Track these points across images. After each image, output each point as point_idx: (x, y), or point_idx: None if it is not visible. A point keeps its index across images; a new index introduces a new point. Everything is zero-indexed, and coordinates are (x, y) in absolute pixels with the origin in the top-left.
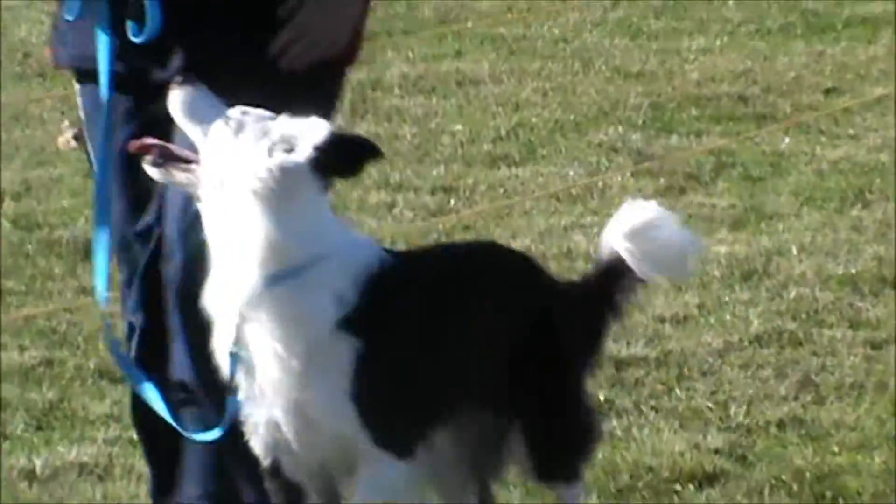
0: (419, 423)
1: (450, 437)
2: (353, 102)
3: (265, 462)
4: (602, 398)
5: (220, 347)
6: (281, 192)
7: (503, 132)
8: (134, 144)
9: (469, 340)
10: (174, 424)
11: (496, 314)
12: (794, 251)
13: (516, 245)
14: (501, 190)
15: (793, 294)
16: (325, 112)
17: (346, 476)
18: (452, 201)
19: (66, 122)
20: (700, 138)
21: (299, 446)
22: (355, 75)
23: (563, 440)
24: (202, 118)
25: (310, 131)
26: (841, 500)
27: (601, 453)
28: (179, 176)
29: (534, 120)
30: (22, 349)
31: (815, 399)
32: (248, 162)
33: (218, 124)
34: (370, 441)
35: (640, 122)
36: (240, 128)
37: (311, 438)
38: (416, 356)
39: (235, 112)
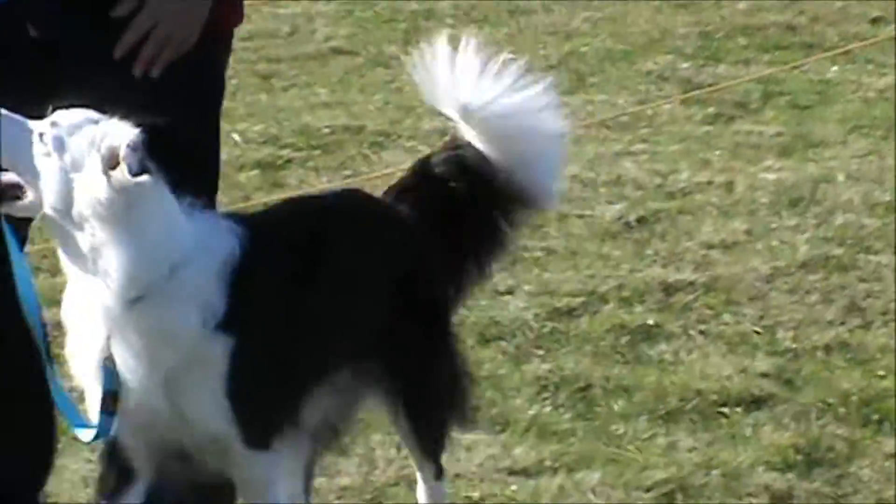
0: (290, 408)
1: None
2: (405, 32)
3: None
4: (651, 322)
5: (87, 365)
6: (125, 210)
7: (554, 61)
8: None
9: (337, 307)
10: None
11: (360, 275)
12: (841, 178)
13: (566, 172)
14: None
15: (839, 220)
16: (216, 84)
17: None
18: None
19: None
20: (748, 67)
21: (165, 440)
22: (408, 5)
23: (439, 415)
24: (17, 147)
25: (127, 138)
26: (887, 424)
27: (650, 376)
28: (20, 206)
29: (584, 49)
30: None
31: (862, 324)
32: (84, 187)
33: (35, 147)
34: (241, 441)
35: (688, 51)
36: (60, 146)
37: (180, 436)
38: (286, 340)
39: (46, 126)
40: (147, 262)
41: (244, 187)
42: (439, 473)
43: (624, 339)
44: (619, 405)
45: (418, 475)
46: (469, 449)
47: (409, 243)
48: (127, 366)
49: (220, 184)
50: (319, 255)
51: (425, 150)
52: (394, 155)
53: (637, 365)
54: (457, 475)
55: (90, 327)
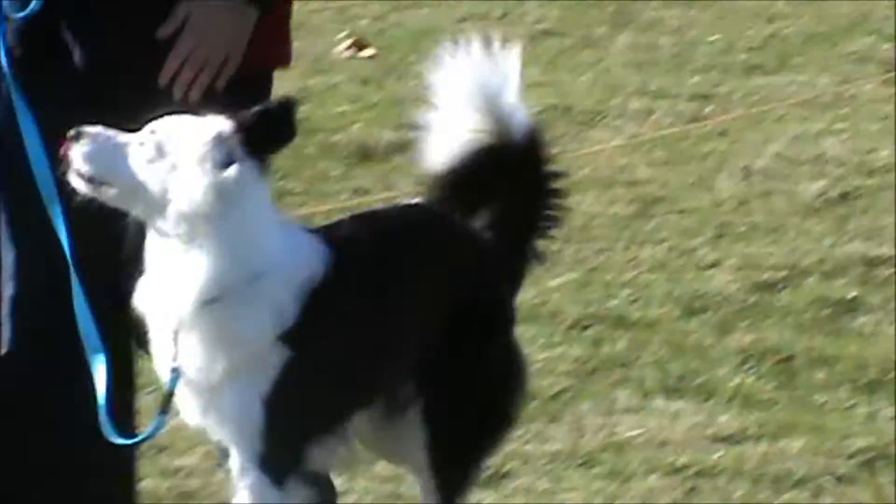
0: (325, 431)
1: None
2: (613, 13)
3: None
4: (852, 295)
5: (160, 363)
6: (225, 208)
7: (757, 42)
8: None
9: (396, 334)
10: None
11: (421, 300)
12: None
13: (769, 150)
14: (755, 97)
15: None
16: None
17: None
18: (708, 108)
19: (344, 33)
20: None
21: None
22: None
23: (465, 440)
24: (117, 162)
25: (233, 125)
26: None
27: (850, 347)
28: (109, 195)
29: (786, 31)
30: None
31: None
32: (184, 187)
33: (136, 150)
34: (255, 459)
35: (889, 32)
36: (160, 151)
37: (214, 429)
38: (336, 362)
39: (146, 135)
40: (232, 264)
41: None
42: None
43: (825, 312)
44: (820, 375)
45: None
46: (675, 417)
47: (474, 261)
48: (189, 365)
49: None
50: (387, 279)
51: (631, 129)
52: (601, 133)
53: (838, 336)
54: (663, 442)
55: (162, 323)
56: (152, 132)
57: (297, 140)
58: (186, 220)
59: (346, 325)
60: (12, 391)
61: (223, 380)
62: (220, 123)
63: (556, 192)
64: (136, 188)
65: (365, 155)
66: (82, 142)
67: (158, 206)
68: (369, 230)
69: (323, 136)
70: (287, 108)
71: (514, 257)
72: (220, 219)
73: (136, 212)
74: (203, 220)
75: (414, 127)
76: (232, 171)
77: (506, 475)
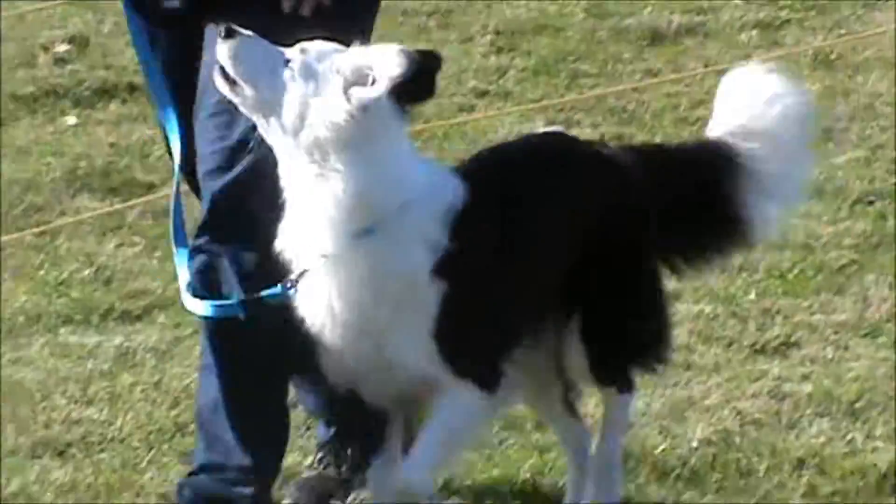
0: (500, 353)
1: (529, 348)
2: None
3: (337, 390)
4: None
5: (309, 306)
6: (363, 138)
7: None
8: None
9: (547, 252)
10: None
11: (570, 217)
12: None
13: None
14: None
15: None
16: (363, 31)
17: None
18: None
19: None
20: None
21: (376, 383)
22: None
23: (621, 343)
24: (263, 68)
25: (383, 59)
26: None
27: None
28: (247, 98)
29: None
30: (594, 126)
31: None
32: (325, 110)
33: (284, 72)
34: (452, 374)
35: None
36: (306, 71)
37: (389, 377)
38: (498, 287)
39: (295, 53)
40: (380, 191)
41: (744, 46)
42: (626, 386)
43: None
44: None
45: (599, 392)
46: None
47: (614, 181)
48: (340, 302)
49: (720, 44)
50: (529, 204)
51: None
52: (886, 16)
53: None
54: None
55: (309, 260)
56: (302, 51)
57: (591, 24)
58: (320, 147)
59: (495, 255)
60: None
61: (385, 318)
62: (369, 58)
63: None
64: (276, 100)
65: (655, 37)
66: (232, 40)
67: (294, 125)
68: (507, 162)
69: (615, 19)
70: (434, 61)
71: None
72: (363, 145)
73: (268, 128)
74: (341, 147)
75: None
76: (375, 104)
77: (793, 345)
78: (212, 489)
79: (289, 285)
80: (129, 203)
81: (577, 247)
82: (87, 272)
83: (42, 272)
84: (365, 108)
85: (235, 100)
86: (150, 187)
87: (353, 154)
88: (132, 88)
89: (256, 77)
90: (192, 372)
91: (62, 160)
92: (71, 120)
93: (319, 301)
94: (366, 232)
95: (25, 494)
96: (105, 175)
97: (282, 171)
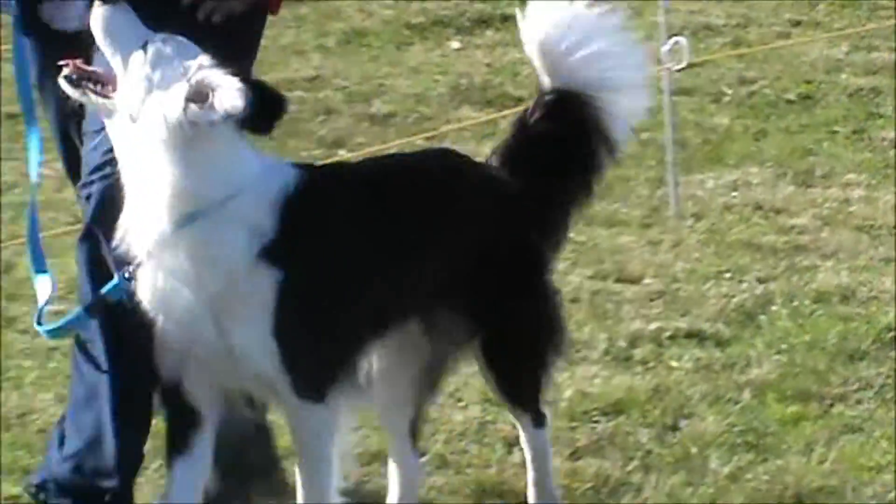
0: (344, 356)
1: (390, 354)
2: None
3: (165, 381)
4: None
5: (143, 289)
6: (191, 141)
7: None
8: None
9: (404, 256)
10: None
11: (432, 225)
12: None
13: None
14: None
15: None
16: (245, 53)
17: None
18: None
19: None
20: None
21: (218, 376)
22: None
23: (525, 371)
24: (123, 42)
25: (225, 91)
26: None
27: None
28: (95, 98)
29: None
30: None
31: None
32: (163, 104)
33: (138, 52)
34: (290, 387)
35: None
36: (158, 60)
37: (230, 372)
38: (343, 283)
39: (157, 40)
40: (200, 181)
41: None
42: (538, 420)
43: None
44: None
45: (517, 425)
46: None
47: (494, 196)
48: (172, 289)
49: None
50: (391, 204)
51: None
52: None
53: None
54: None
55: (140, 244)
56: (164, 39)
57: None
58: (150, 135)
59: (336, 245)
60: None
61: (224, 310)
62: (215, 81)
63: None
64: (124, 78)
65: None
66: (106, 7)
67: (130, 107)
68: (368, 163)
69: None
70: (279, 102)
71: (546, 203)
72: (186, 145)
73: (109, 107)
74: (168, 142)
75: None
76: (209, 119)
77: None
78: (77, 481)
79: (126, 276)
80: (503, 113)
81: (442, 258)
82: None
83: None
84: (194, 125)
85: (87, 70)
86: (520, 100)
87: (178, 150)
88: (505, 18)
89: (114, 47)
90: None
91: (447, 78)
92: (455, 45)
93: (152, 289)
94: (189, 219)
95: None
96: (482, 90)
97: (118, 154)
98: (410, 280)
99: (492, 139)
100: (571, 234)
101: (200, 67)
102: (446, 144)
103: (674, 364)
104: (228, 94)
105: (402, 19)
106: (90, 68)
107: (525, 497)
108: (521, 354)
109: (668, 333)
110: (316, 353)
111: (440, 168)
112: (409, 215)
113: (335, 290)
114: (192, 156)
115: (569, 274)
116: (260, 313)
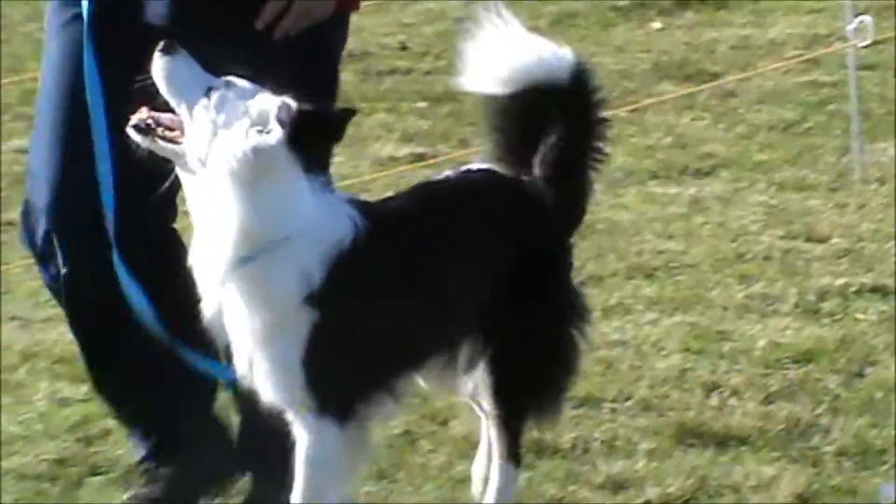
0: (370, 389)
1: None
2: None
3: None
4: None
5: (206, 312)
6: (254, 175)
7: None
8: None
9: (440, 299)
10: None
11: (477, 259)
12: None
13: None
14: None
15: None
16: (328, 60)
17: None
18: None
19: None
20: None
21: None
22: None
23: (525, 391)
24: (187, 90)
25: (282, 111)
26: None
27: None
28: (164, 146)
29: None
30: None
31: None
32: (226, 143)
33: (202, 99)
34: (313, 407)
35: None
36: (222, 104)
37: (264, 396)
38: (370, 326)
39: (220, 84)
40: (263, 223)
41: None
42: (517, 458)
43: None
44: None
45: (494, 456)
46: None
47: (529, 221)
48: (230, 320)
49: None
50: (433, 245)
51: None
52: None
53: None
54: None
55: (208, 279)
56: (226, 83)
57: None
58: (218, 176)
59: (378, 290)
60: None
61: (260, 339)
62: (273, 106)
63: (601, 132)
64: (190, 123)
65: None
66: (168, 57)
67: (199, 151)
68: (420, 198)
69: None
70: (344, 117)
71: (568, 209)
72: (253, 181)
73: (178, 151)
74: (234, 180)
75: None
76: (265, 150)
77: None
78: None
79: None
80: (700, 87)
81: (487, 287)
82: (667, 139)
83: (634, 139)
84: (257, 151)
85: (156, 117)
86: (716, 75)
87: (243, 187)
88: (703, 0)
89: (179, 96)
90: (749, 216)
91: (649, 55)
92: (657, 25)
93: (211, 315)
94: (248, 258)
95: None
96: (681, 66)
97: (187, 193)
98: (446, 317)
99: (690, 111)
100: (765, 198)
101: (260, 101)
102: (648, 116)
103: (859, 316)
104: (283, 114)
105: (608, 2)
106: (158, 115)
107: (722, 437)
108: (528, 381)
109: (853, 288)
110: (337, 382)
111: (481, 192)
112: (448, 254)
113: (368, 332)
114: (254, 197)
115: (761, 234)
116: (291, 347)
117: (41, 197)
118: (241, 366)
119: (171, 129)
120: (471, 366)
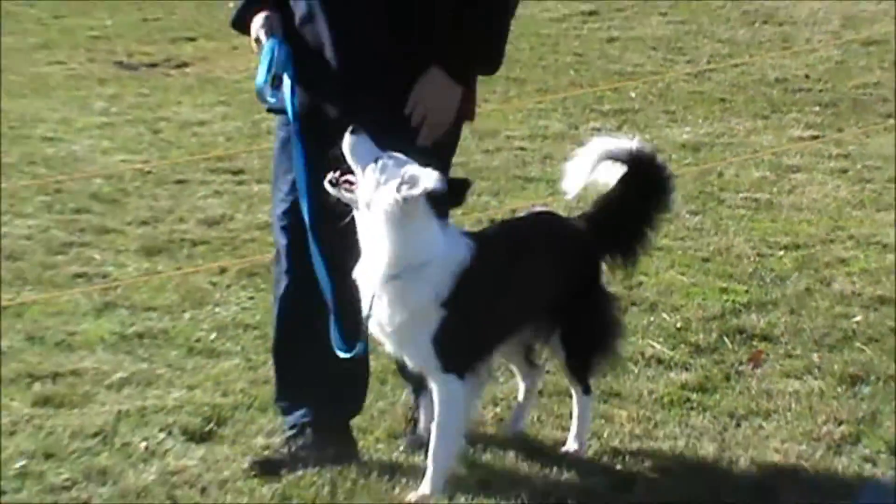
0: (478, 356)
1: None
2: None
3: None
4: None
5: (363, 310)
6: (402, 217)
7: None
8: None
9: (522, 297)
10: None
11: (542, 272)
12: None
13: None
14: None
15: None
16: (446, 151)
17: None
18: None
19: None
20: None
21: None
22: None
23: (586, 354)
24: (363, 158)
25: (426, 177)
26: None
27: None
28: (346, 195)
29: None
30: None
31: None
32: (384, 194)
33: (371, 164)
34: (441, 366)
35: None
36: (385, 168)
37: (410, 364)
38: (480, 317)
39: (384, 156)
40: (406, 253)
41: None
42: (587, 389)
43: None
44: None
45: (572, 391)
46: None
47: (575, 247)
48: (381, 321)
49: None
50: (515, 259)
51: None
52: None
53: None
54: None
55: (367, 288)
56: (388, 156)
57: None
58: (378, 217)
59: (484, 294)
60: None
61: (403, 329)
62: (420, 172)
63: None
64: (361, 181)
65: None
66: (353, 136)
67: (367, 199)
68: (505, 232)
69: None
70: (465, 185)
71: (608, 247)
72: (399, 222)
73: (355, 198)
74: (388, 220)
75: None
76: (411, 200)
77: None
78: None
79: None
80: None
81: (550, 290)
82: None
83: None
84: (405, 200)
85: (332, 190)
86: None
87: (394, 226)
88: None
89: (357, 162)
90: None
91: None
92: None
93: (374, 316)
94: (396, 276)
95: None
96: None
97: (358, 227)
98: (527, 307)
99: None
100: None
101: (410, 168)
102: None
103: None
104: (427, 178)
105: None
106: (346, 177)
107: None
108: (585, 346)
109: None
110: (459, 353)
111: (543, 229)
112: (526, 265)
113: (478, 320)
114: (400, 232)
115: None
116: (426, 333)
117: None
118: (390, 348)
119: (351, 184)
120: (545, 339)
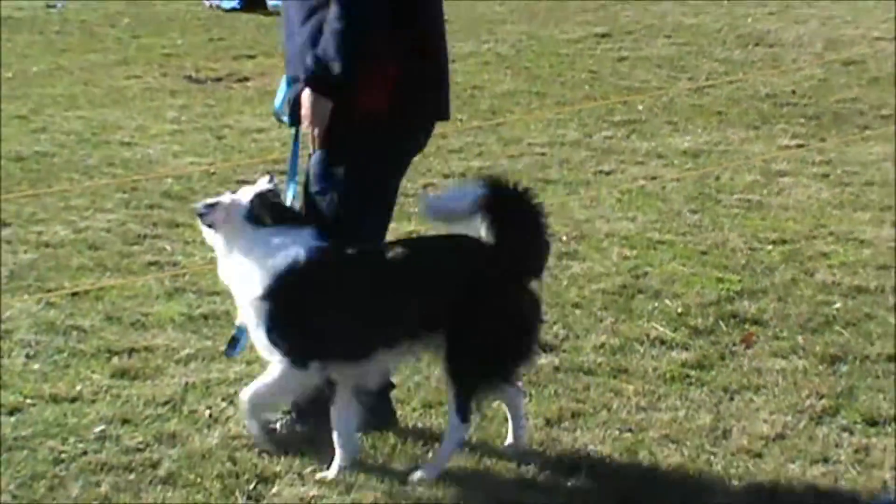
0: (324, 347)
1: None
2: None
3: None
4: None
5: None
6: (232, 230)
7: None
8: None
9: (377, 305)
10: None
11: (411, 287)
12: None
13: None
14: None
15: None
16: (362, 156)
17: None
18: None
19: None
20: None
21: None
22: None
23: (464, 376)
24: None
25: (252, 190)
26: None
27: None
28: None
29: None
30: None
31: None
32: (225, 205)
33: (213, 199)
34: (278, 354)
35: None
36: (236, 192)
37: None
38: (313, 312)
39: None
40: (231, 255)
41: None
42: (466, 416)
43: None
44: None
45: (450, 410)
46: None
47: (463, 270)
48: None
49: None
50: (376, 268)
51: None
52: None
53: None
54: None
55: (236, 289)
56: (231, 192)
57: None
58: (223, 230)
59: (317, 292)
60: None
61: (247, 320)
62: (242, 194)
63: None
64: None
65: None
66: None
67: (209, 221)
68: (396, 245)
69: None
70: (272, 196)
71: (510, 259)
72: (228, 236)
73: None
74: (229, 231)
75: None
76: (238, 212)
77: None
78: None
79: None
80: None
81: (423, 306)
82: None
83: None
84: (230, 206)
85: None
86: None
87: (218, 237)
88: None
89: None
90: None
91: None
92: None
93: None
94: (232, 276)
95: None
96: None
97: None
98: (388, 316)
99: None
100: None
101: (246, 189)
102: None
103: None
104: (241, 198)
105: None
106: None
107: None
108: (466, 372)
109: None
110: (293, 342)
111: (436, 246)
112: (389, 276)
113: (308, 315)
114: (223, 241)
115: None
116: (258, 322)
117: None
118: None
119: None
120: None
